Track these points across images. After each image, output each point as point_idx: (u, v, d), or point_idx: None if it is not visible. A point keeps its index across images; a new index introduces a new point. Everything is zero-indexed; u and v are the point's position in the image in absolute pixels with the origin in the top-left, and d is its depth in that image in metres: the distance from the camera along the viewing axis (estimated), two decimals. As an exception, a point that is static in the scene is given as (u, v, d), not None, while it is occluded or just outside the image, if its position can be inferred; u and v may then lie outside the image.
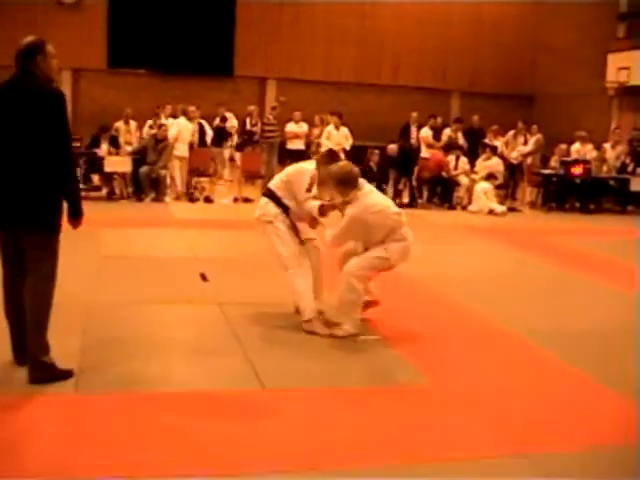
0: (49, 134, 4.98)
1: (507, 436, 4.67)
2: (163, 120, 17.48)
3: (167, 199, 15.58)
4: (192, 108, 17.21)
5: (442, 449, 4.48)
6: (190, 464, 4.10)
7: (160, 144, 15.83)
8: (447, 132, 18.35)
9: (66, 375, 5.18)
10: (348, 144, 17.39)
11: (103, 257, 9.48)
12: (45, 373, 5.08)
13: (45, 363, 5.09)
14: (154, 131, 16.54)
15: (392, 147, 17.34)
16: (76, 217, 5.20)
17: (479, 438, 4.63)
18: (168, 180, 16.13)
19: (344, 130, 17.52)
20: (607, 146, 18.50)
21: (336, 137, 17.40)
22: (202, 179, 16.91)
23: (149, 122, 17.85)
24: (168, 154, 16.03)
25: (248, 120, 18.93)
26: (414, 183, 17.32)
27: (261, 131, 18.61)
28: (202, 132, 17.16)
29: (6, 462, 4.00)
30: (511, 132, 18.87)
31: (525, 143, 18.62)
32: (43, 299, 5.12)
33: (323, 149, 17.42)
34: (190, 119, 16.99)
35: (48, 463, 4.01)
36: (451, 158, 17.27)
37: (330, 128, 17.64)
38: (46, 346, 5.12)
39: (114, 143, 16.31)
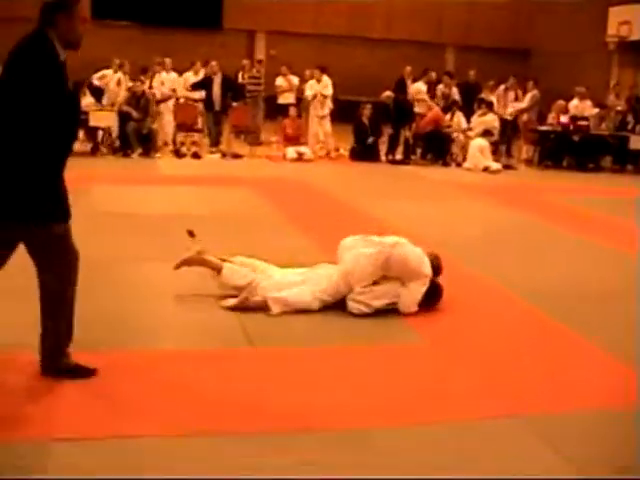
0: (28, 110, 4.21)
1: (502, 397, 4.68)
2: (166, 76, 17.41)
3: (158, 155, 15.50)
4: (214, 63, 16.96)
5: (436, 410, 4.48)
6: (180, 422, 4.10)
7: (142, 100, 15.68)
8: (440, 87, 18.26)
9: (88, 373, 4.69)
10: (328, 90, 17.34)
11: (89, 214, 9.40)
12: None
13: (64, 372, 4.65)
14: (131, 85, 16.32)
15: (388, 94, 17.24)
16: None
17: (474, 399, 4.64)
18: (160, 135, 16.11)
19: (325, 80, 17.43)
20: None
21: (317, 87, 17.38)
22: (190, 135, 16.85)
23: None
24: (152, 109, 15.93)
25: (240, 74, 18.79)
26: (410, 140, 17.24)
27: (246, 85, 18.44)
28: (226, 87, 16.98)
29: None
30: (502, 87, 18.74)
31: (516, 99, 18.52)
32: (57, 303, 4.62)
33: (309, 99, 17.47)
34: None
35: (35, 422, 4.03)
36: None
37: (312, 81, 17.58)
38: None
39: (98, 95, 16.15)
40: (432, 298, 6.33)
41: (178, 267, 6.47)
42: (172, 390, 4.51)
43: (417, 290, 6.22)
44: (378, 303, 6.17)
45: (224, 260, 6.44)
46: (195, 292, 6.47)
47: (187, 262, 6.47)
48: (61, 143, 4.38)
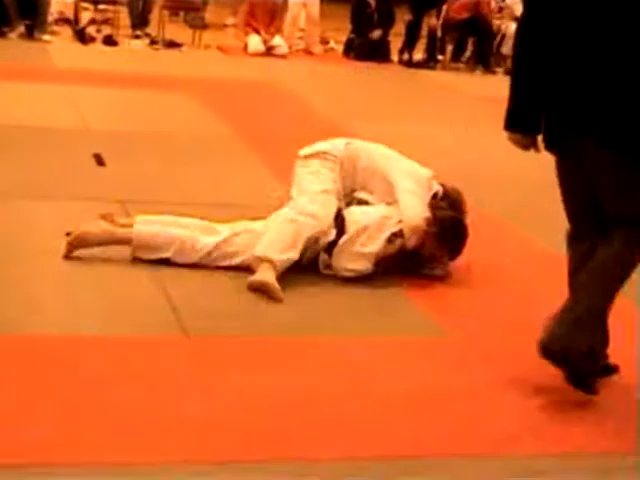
0: None
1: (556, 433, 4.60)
2: None
3: (47, 37, 15.42)
4: None
5: (471, 440, 4.41)
6: (66, 444, 4.01)
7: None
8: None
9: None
10: None
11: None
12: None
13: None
14: None
15: None
16: None
17: (519, 431, 4.56)
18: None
19: None
20: None
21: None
22: (102, 9, 16.76)
23: None
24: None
25: None
26: (437, 32, 17.09)
27: None
28: None
29: None
30: None
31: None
32: (610, 276, 4.72)
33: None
34: None
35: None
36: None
37: None
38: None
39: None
40: (451, 232, 6.28)
41: (69, 252, 6.15)
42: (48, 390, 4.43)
43: (416, 191, 6.31)
44: (376, 247, 6.10)
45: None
46: (97, 251, 6.36)
47: (83, 240, 6.15)
48: None
